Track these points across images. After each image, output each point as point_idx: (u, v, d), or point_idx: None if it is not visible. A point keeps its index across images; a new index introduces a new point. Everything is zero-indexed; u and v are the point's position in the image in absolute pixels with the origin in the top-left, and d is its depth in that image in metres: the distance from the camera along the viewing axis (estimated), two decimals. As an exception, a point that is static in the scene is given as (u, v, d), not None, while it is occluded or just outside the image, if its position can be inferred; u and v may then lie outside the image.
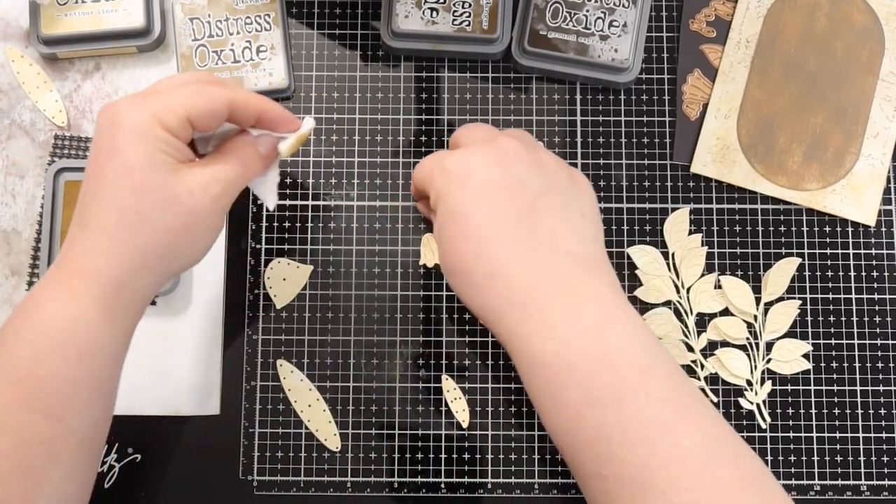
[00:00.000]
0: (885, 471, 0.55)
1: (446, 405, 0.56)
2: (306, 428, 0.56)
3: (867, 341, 0.57)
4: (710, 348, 0.57)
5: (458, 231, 0.43)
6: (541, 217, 0.43)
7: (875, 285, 0.57)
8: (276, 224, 0.58)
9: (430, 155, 0.48)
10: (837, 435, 0.56)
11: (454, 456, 0.56)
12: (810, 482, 0.55)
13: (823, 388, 0.56)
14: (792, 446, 0.56)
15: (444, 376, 0.56)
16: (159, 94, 0.44)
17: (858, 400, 0.56)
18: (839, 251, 0.58)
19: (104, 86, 0.59)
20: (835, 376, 0.56)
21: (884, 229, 0.58)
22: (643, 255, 0.57)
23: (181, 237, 0.43)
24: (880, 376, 0.56)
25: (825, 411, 0.56)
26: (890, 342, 0.57)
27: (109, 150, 0.42)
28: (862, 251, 0.58)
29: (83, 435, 0.42)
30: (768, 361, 0.56)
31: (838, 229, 0.58)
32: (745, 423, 0.56)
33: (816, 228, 0.58)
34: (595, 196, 0.47)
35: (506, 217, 0.43)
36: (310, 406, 0.56)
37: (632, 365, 0.40)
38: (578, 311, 0.41)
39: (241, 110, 0.46)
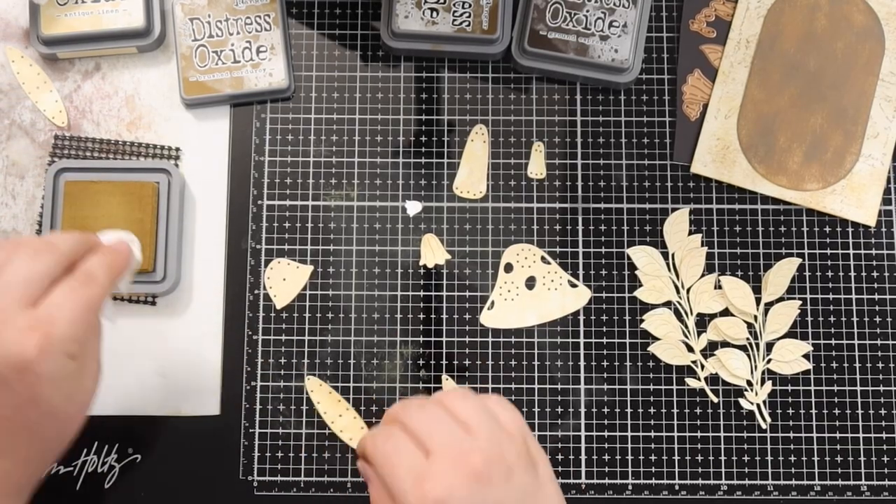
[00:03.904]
0: (885, 471, 0.55)
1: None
2: (331, 436, 0.56)
3: (867, 341, 0.57)
4: (711, 348, 0.57)
5: None
6: None
7: (875, 285, 0.57)
8: (276, 224, 0.58)
9: (401, 445, 0.45)
10: (837, 435, 0.56)
11: (454, 456, 0.55)
12: (810, 482, 0.55)
13: (823, 388, 0.56)
14: (792, 446, 0.56)
15: (444, 376, 0.56)
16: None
17: (858, 400, 0.56)
18: (839, 251, 0.58)
19: (104, 86, 0.59)
20: (835, 376, 0.56)
21: (884, 229, 0.58)
22: (643, 256, 0.57)
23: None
24: (880, 376, 0.56)
25: (825, 411, 0.56)
26: (890, 342, 0.57)
27: None
28: (862, 251, 0.58)
29: None
30: (768, 362, 0.56)
31: (838, 229, 0.58)
32: (745, 423, 0.56)
33: (816, 228, 0.58)
34: (552, 470, 0.48)
35: None
36: (340, 416, 0.56)
37: None
38: None
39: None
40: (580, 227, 0.58)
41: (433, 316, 0.57)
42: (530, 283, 0.57)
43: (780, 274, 0.57)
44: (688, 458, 0.55)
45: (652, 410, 0.56)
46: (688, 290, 0.57)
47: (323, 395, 0.56)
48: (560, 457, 0.56)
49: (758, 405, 0.56)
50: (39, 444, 0.44)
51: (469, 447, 0.45)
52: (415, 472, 0.45)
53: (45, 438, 0.44)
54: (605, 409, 0.56)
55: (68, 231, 0.47)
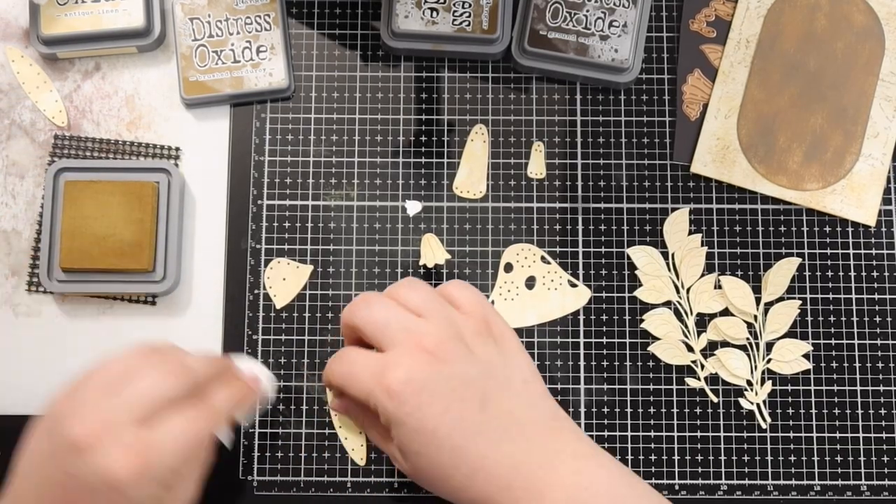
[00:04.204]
0: (885, 471, 0.55)
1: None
2: (331, 436, 0.56)
3: (867, 341, 0.57)
4: (710, 348, 0.57)
5: (429, 446, 0.44)
6: (493, 403, 0.45)
7: (875, 285, 0.57)
8: (276, 224, 0.58)
9: (353, 356, 0.47)
10: (837, 435, 0.56)
11: (454, 456, 0.55)
12: (810, 482, 0.55)
13: (823, 388, 0.56)
14: (792, 446, 0.56)
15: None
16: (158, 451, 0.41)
17: (858, 400, 0.56)
18: (839, 251, 0.58)
19: (104, 86, 0.59)
20: (835, 376, 0.56)
21: (884, 229, 0.58)
22: (643, 256, 0.57)
23: None
24: (880, 376, 0.56)
25: (825, 411, 0.56)
26: (890, 342, 0.57)
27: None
28: (862, 251, 0.58)
29: None
30: (768, 361, 0.56)
31: (838, 229, 0.58)
32: (745, 423, 0.56)
33: (816, 228, 0.58)
34: (520, 344, 0.48)
35: (466, 417, 0.44)
36: (341, 427, 0.56)
37: None
38: (558, 475, 0.44)
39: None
40: (580, 227, 0.58)
41: (433, 316, 0.57)
42: (530, 282, 0.57)
43: (780, 274, 0.57)
44: (688, 457, 0.55)
45: (652, 410, 0.56)
46: (688, 290, 0.57)
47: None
48: (560, 457, 0.56)
49: (758, 405, 0.56)
50: None
51: (422, 331, 0.45)
52: (373, 370, 0.45)
53: None
54: (605, 409, 0.56)
55: (207, 355, 0.46)
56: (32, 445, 0.44)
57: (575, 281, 0.57)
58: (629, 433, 0.56)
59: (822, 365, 0.56)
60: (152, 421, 0.42)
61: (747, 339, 0.57)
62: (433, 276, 0.57)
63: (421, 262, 0.58)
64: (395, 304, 0.47)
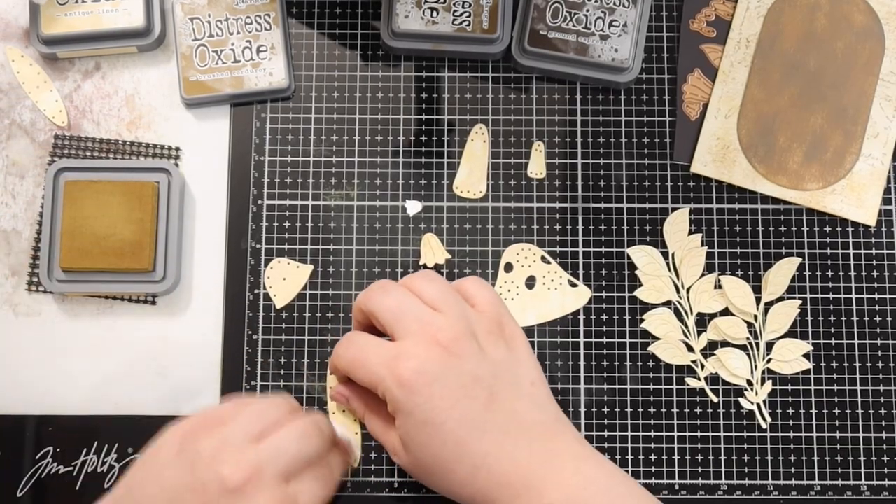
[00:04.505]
0: (885, 471, 0.55)
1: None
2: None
3: (867, 341, 0.57)
4: (711, 348, 0.57)
5: (434, 438, 0.45)
6: (500, 401, 0.46)
7: (875, 285, 0.57)
8: (276, 224, 0.58)
9: (365, 340, 0.47)
10: (837, 435, 0.56)
11: (454, 456, 0.55)
12: (810, 482, 0.55)
13: (823, 388, 0.56)
14: (792, 446, 0.56)
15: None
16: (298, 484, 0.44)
17: (858, 400, 0.56)
18: (839, 251, 0.58)
19: (104, 86, 0.59)
20: (835, 376, 0.56)
21: (884, 229, 0.58)
22: (643, 255, 0.57)
23: None
24: (880, 376, 0.56)
25: (825, 411, 0.56)
26: (890, 342, 0.57)
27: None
28: (862, 251, 0.58)
29: None
30: (768, 361, 0.56)
31: (838, 229, 0.58)
32: (745, 423, 0.56)
33: (816, 228, 0.58)
34: (529, 347, 0.49)
35: (473, 413, 0.45)
36: (343, 411, 0.56)
37: None
38: (559, 476, 0.44)
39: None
40: (580, 227, 0.58)
41: (433, 316, 0.57)
42: (530, 282, 0.57)
43: (780, 274, 0.57)
44: (688, 457, 0.55)
45: (652, 410, 0.56)
46: (688, 290, 0.57)
47: (335, 383, 0.56)
48: (560, 457, 0.56)
49: (758, 405, 0.56)
50: None
51: (437, 324, 0.46)
52: (385, 357, 0.46)
53: None
54: (605, 409, 0.56)
55: (324, 417, 0.48)
56: (162, 471, 0.44)
57: (575, 281, 0.57)
58: (629, 433, 0.56)
59: (822, 365, 0.56)
60: (292, 478, 0.44)
61: (747, 339, 0.57)
62: (433, 275, 0.57)
63: (421, 262, 0.58)
64: (411, 295, 0.48)
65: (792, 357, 0.56)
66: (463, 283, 0.50)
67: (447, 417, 0.44)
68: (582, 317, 0.57)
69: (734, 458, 0.55)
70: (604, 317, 0.57)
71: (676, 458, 0.55)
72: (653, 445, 0.56)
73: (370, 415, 0.50)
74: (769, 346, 0.57)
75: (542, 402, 0.47)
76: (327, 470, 0.47)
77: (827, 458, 0.55)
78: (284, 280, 0.57)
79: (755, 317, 0.57)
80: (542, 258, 0.58)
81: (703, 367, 0.56)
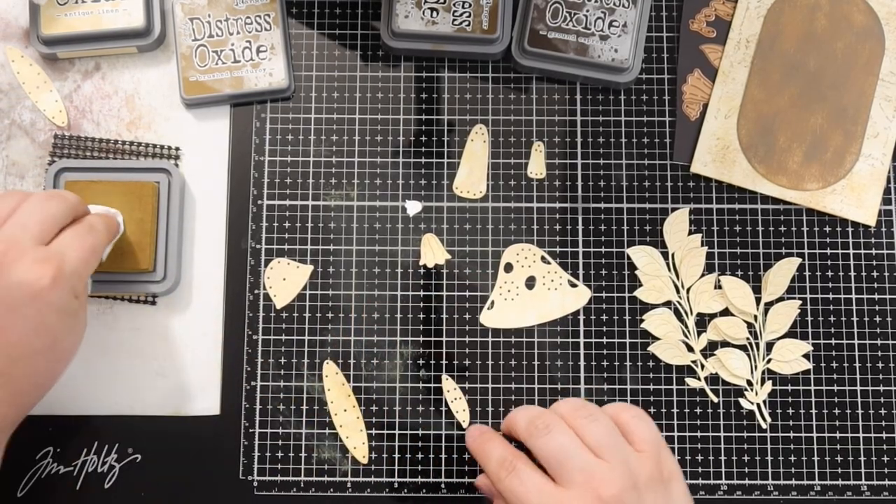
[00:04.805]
0: (885, 471, 0.55)
1: (446, 405, 0.56)
2: (331, 436, 0.56)
3: (867, 341, 0.57)
4: (711, 348, 0.57)
5: None
6: None
7: (875, 285, 0.57)
8: (276, 224, 0.58)
9: (532, 481, 0.47)
10: (837, 435, 0.56)
11: (454, 456, 0.56)
12: (810, 482, 0.55)
13: (823, 388, 0.56)
14: (792, 446, 0.56)
15: (444, 376, 0.56)
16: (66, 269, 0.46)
17: (858, 400, 0.56)
18: (839, 251, 0.58)
19: (104, 86, 0.59)
20: (835, 376, 0.56)
21: (884, 229, 0.58)
22: (643, 256, 0.57)
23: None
24: (880, 376, 0.56)
25: (825, 411, 0.56)
26: (890, 342, 0.57)
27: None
28: (862, 251, 0.58)
29: None
30: (768, 361, 0.56)
31: (838, 229, 0.58)
32: (745, 423, 0.56)
33: (816, 228, 0.58)
34: (685, 485, 0.48)
35: None
36: (345, 411, 0.56)
37: None
38: None
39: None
40: (580, 227, 0.58)
41: (433, 316, 0.57)
42: (530, 282, 0.57)
43: (780, 274, 0.57)
44: (688, 457, 0.55)
45: (652, 410, 0.56)
46: (688, 290, 0.57)
47: (335, 384, 0.56)
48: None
49: (758, 405, 0.56)
50: (34, 377, 0.46)
51: (600, 476, 0.46)
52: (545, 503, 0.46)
53: (40, 372, 0.47)
54: (605, 409, 0.56)
55: (68, 192, 0.51)
56: None
57: (575, 281, 0.57)
58: (629, 433, 0.56)
59: (822, 365, 0.56)
60: (49, 241, 0.47)
61: (747, 339, 0.57)
62: (433, 275, 0.57)
63: (421, 262, 0.58)
64: (574, 437, 0.47)
65: (792, 357, 0.56)
66: (621, 415, 0.49)
67: None
68: (582, 317, 0.57)
69: (734, 458, 0.55)
70: (604, 317, 0.57)
71: (676, 458, 0.55)
72: (653, 445, 0.55)
73: None
74: (769, 346, 0.57)
75: None
76: (87, 226, 0.49)
77: (827, 458, 0.55)
78: (284, 280, 0.57)
79: (755, 317, 0.57)
80: (542, 258, 0.58)
81: (703, 367, 0.56)
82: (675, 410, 0.56)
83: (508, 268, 0.58)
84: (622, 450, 0.47)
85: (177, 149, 0.58)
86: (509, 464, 0.48)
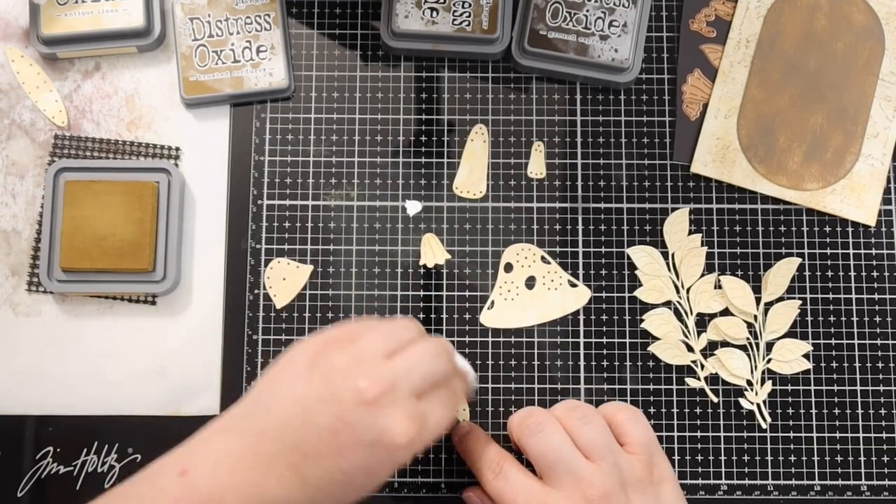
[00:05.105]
0: (885, 471, 0.55)
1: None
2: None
3: (867, 341, 0.57)
4: (710, 348, 0.57)
5: None
6: None
7: (875, 285, 0.57)
8: (276, 224, 0.58)
9: (519, 480, 0.47)
10: (837, 435, 0.56)
11: (454, 456, 0.55)
12: (810, 482, 0.55)
13: (823, 388, 0.56)
14: (792, 446, 0.56)
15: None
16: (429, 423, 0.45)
17: (858, 400, 0.56)
18: (839, 251, 0.58)
19: (104, 86, 0.59)
20: (835, 376, 0.56)
21: (884, 229, 0.58)
22: (643, 256, 0.57)
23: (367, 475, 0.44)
24: (880, 376, 0.56)
25: (825, 411, 0.56)
26: (890, 342, 0.57)
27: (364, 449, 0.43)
28: (862, 251, 0.58)
29: None
30: (768, 361, 0.56)
31: (838, 229, 0.58)
32: (745, 423, 0.56)
33: (816, 228, 0.58)
34: (678, 488, 0.49)
35: None
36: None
37: None
38: None
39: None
40: (580, 227, 0.58)
41: (433, 316, 0.57)
42: (530, 282, 0.57)
43: (780, 274, 0.57)
44: (688, 457, 0.55)
45: (652, 410, 0.56)
46: (688, 290, 0.57)
47: None
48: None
49: (758, 405, 0.56)
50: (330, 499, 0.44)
51: (589, 479, 0.46)
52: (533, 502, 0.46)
53: (336, 499, 0.44)
54: (605, 409, 0.56)
55: (448, 342, 0.49)
56: (294, 384, 0.45)
57: (575, 281, 0.57)
58: (629, 433, 0.56)
59: (822, 365, 0.56)
60: (423, 396, 0.45)
61: (747, 339, 0.57)
62: (433, 275, 0.57)
63: (421, 262, 0.58)
64: (566, 437, 0.48)
65: (792, 357, 0.56)
66: (616, 415, 0.50)
67: None
68: (582, 317, 0.57)
69: (734, 458, 0.55)
70: (604, 317, 0.57)
71: (676, 458, 0.55)
72: (653, 445, 0.55)
73: None
74: (769, 346, 0.57)
75: None
76: (452, 392, 0.47)
77: (827, 458, 0.55)
78: (284, 280, 0.57)
79: (755, 317, 0.57)
80: (542, 258, 0.58)
81: (703, 367, 0.56)
82: (674, 410, 0.56)
83: (508, 268, 0.58)
84: (613, 451, 0.47)
85: (177, 149, 0.58)
86: (496, 465, 0.48)
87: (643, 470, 0.48)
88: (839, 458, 0.55)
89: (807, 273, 0.57)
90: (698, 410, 0.56)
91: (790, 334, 0.57)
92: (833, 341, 0.57)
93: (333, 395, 0.43)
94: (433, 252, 0.58)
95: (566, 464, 0.47)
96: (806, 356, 0.56)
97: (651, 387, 0.56)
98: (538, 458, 0.47)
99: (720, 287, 0.57)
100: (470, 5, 0.58)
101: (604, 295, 0.57)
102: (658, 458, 0.49)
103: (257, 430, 0.43)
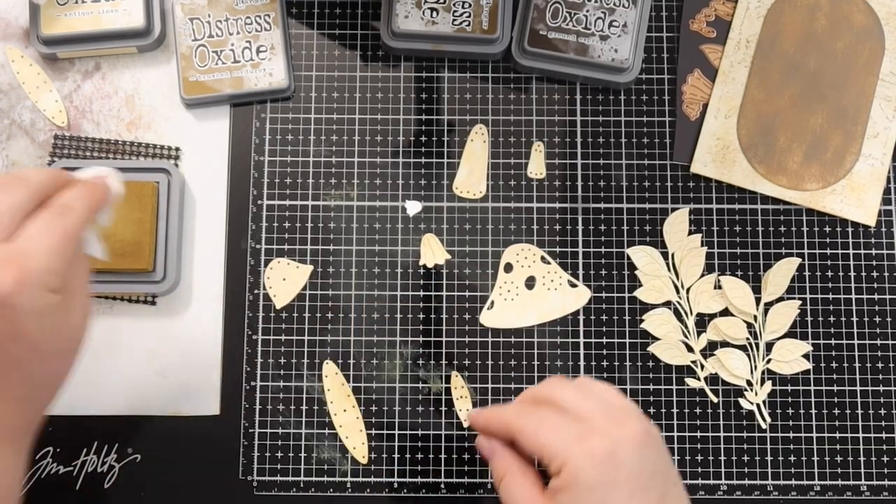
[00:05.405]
0: (885, 471, 0.55)
1: (447, 405, 0.56)
2: (331, 436, 0.56)
3: (867, 341, 0.57)
4: (710, 348, 0.57)
5: None
6: (671, 500, 0.45)
7: (875, 285, 0.57)
8: (276, 224, 0.58)
9: (545, 414, 0.46)
10: (837, 435, 0.56)
11: (454, 456, 0.56)
12: (810, 482, 0.55)
13: (823, 388, 0.56)
14: (792, 446, 0.56)
15: (453, 374, 0.56)
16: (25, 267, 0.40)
17: (858, 400, 0.56)
18: (839, 251, 0.58)
19: (104, 86, 0.59)
20: (835, 376, 0.56)
21: (884, 229, 0.58)
22: (643, 256, 0.57)
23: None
24: (880, 376, 0.56)
25: (825, 411, 0.56)
26: (890, 342, 0.57)
27: None
28: (862, 251, 0.58)
29: None
30: (768, 361, 0.56)
31: (838, 229, 0.58)
32: (745, 423, 0.56)
33: (816, 228, 0.58)
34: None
35: None
36: (345, 411, 0.56)
37: None
38: None
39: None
40: (580, 227, 0.58)
41: (433, 316, 0.57)
42: (530, 282, 0.57)
43: (780, 274, 0.57)
44: (688, 457, 0.55)
45: (652, 410, 0.56)
46: (687, 290, 0.57)
47: (335, 384, 0.56)
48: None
49: (758, 405, 0.56)
50: (29, 382, 0.42)
51: (623, 412, 0.46)
52: (575, 433, 0.45)
53: (35, 376, 0.42)
54: (605, 409, 0.56)
55: (31, 169, 0.45)
56: None
57: (575, 281, 0.57)
58: (629, 433, 0.56)
59: (822, 365, 0.56)
60: (12, 235, 0.41)
61: (747, 339, 0.57)
62: (433, 275, 0.57)
63: (421, 262, 0.58)
64: (596, 395, 0.47)
65: (792, 357, 0.56)
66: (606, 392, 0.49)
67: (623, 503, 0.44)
68: (582, 317, 0.57)
69: (734, 458, 0.55)
70: (604, 317, 0.57)
71: (676, 458, 0.55)
72: (653, 445, 0.55)
73: (511, 480, 0.47)
74: (769, 346, 0.57)
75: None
76: (59, 209, 0.42)
77: (827, 458, 0.55)
78: (284, 280, 0.57)
79: (755, 317, 0.57)
80: (542, 258, 0.58)
81: (702, 367, 0.56)
82: (674, 410, 0.56)
83: (508, 268, 0.58)
84: (606, 408, 0.46)
85: (177, 149, 0.58)
86: (520, 406, 0.47)
87: (649, 439, 0.47)
88: (839, 458, 0.55)
89: (807, 273, 0.57)
90: (698, 410, 0.56)
91: (790, 334, 0.57)
92: (833, 341, 0.57)
93: None
94: (433, 252, 0.58)
95: (596, 400, 0.46)
96: (806, 356, 0.56)
97: (651, 387, 0.56)
98: (568, 402, 0.46)
99: (720, 287, 0.57)
100: (470, 5, 0.58)
101: (604, 295, 0.57)
102: (656, 433, 0.48)
103: None
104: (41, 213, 0.42)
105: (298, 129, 0.59)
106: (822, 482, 0.55)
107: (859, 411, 0.56)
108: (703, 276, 0.57)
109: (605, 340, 0.57)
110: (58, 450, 0.55)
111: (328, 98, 0.59)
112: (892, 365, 0.56)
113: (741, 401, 0.56)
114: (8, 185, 0.42)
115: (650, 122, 0.59)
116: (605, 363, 0.56)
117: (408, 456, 0.56)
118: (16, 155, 0.58)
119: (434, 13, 0.58)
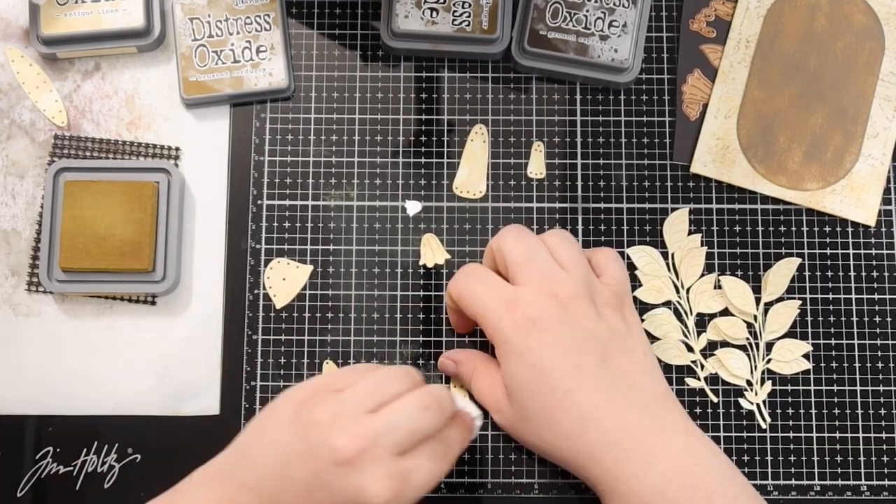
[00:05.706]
0: (885, 471, 0.55)
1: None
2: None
3: (867, 341, 0.57)
4: (710, 348, 0.57)
5: (542, 385, 0.45)
6: (613, 362, 0.46)
7: (875, 285, 0.57)
8: (276, 224, 0.58)
9: (488, 276, 0.47)
10: (837, 435, 0.56)
11: (454, 456, 0.55)
12: (810, 482, 0.55)
13: (823, 388, 0.56)
14: (792, 446, 0.56)
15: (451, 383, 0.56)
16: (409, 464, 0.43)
17: (858, 400, 0.56)
18: (839, 251, 0.58)
19: (104, 86, 0.59)
20: (835, 376, 0.56)
21: (884, 229, 0.58)
22: (643, 256, 0.57)
23: None
24: (880, 376, 0.56)
25: (825, 411, 0.56)
26: (890, 342, 0.57)
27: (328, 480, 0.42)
28: (862, 251, 0.58)
29: None
30: (768, 361, 0.56)
31: (838, 229, 0.58)
32: (745, 423, 0.56)
33: (816, 228, 0.58)
34: (643, 328, 0.50)
35: (585, 366, 0.45)
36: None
37: (724, 495, 0.44)
38: (669, 445, 0.45)
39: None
40: (580, 227, 0.58)
41: (433, 316, 0.57)
42: (530, 282, 0.57)
43: (780, 274, 0.57)
44: (688, 458, 0.55)
45: (652, 410, 0.56)
46: (687, 290, 0.57)
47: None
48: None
49: (757, 405, 0.56)
50: None
51: (560, 280, 0.47)
52: (504, 297, 0.47)
53: None
54: (605, 409, 0.56)
55: (443, 390, 0.46)
56: (276, 436, 0.44)
57: (575, 281, 0.57)
58: (629, 433, 0.56)
59: (822, 365, 0.56)
60: (406, 453, 0.43)
61: (747, 339, 0.57)
62: (433, 275, 0.57)
63: (421, 262, 0.58)
64: (543, 246, 0.49)
65: (792, 357, 0.56)
66: (596, 254, 0.51)
67: (557, 364, 0.44)
68: (582, 317, 0.57)
69: (734, 458, 0.55)
70: (604, 317, 0.57)
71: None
72: (653, 445, 0.55)
73: (478, 376, 0.49)
74: (769, 346, 0.57)
75: (654, 373, 0.48)
76: (444, 446, 0.45)
77: (827, 458, 0.55)
78: (284, 280, 0.57)
79: (755, 317, 0.57)
80: (542, 258, 0.58)
81: (702, 367, 0.56)
82: (674, 410, 0.56)
83: (508, 268, 0.58)
84: (586, 269, 0.48)
85: (177, 149, 0.58)
86: (469, 269, 0.50)
87: (612, 297, 0.49)
88: (839, 458, 0.55)
89: (807, 273, 0.57)
90: (698, 410, 0.56)
91: (790, 334, 0.57)
92: (833, 341, 0.57)
93: (311, 451, 0.42)
94: (433, 252, 0.58)
95: (540, 264, 0.47)
96: (806, 356, 0.56)
97: (651, 387, 0.56)
98: (514, 256, 0.48)
99: (720, 287, 0.57)
100: (470, 5, 0.58)
101: (604, 295, 0.57)
102: (628, 300, 0.50)
103: (239, 482, 0.43)
104: (433, 446, 0.44)
105: (298, 129, 0.59)
106: (822, 482, 0.55)
107: (859, 411, 0.56)
108: (703, 276, 0.57)
109: (605, 340, 0.57)
110: (58, 450, 0.55)
111: (328, 98, 0.59)
112: (892, 365, 0.56)
113: (741, 401, 0.56)
114: (428, 408, 0.44)
115: (650, 122, 0.59)
116: (605, 363, 0.56)
117: (408, 456, 0.55)
118: (16, 155, 0.58)
119: (434, 13, 0.58)
